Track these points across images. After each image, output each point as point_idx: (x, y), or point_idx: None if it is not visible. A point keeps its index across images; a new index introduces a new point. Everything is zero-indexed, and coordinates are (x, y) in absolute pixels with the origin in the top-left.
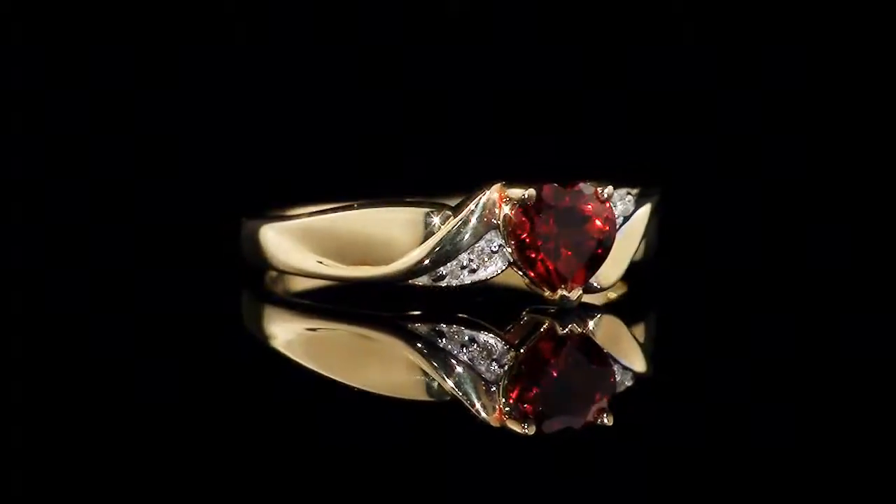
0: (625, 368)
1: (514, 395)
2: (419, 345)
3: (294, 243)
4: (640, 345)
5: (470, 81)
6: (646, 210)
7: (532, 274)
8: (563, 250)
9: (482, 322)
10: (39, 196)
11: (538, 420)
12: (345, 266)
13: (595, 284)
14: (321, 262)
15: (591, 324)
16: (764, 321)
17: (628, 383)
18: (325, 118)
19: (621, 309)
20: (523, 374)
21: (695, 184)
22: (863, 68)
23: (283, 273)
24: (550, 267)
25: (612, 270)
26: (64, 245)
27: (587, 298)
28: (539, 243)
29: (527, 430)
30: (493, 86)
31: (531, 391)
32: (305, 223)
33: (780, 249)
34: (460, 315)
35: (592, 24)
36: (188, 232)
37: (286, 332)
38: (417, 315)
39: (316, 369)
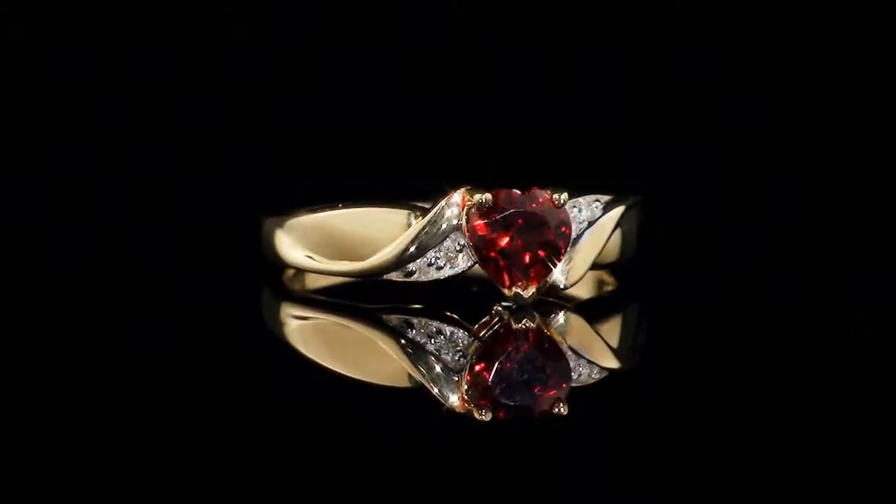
0: (589, 362)
1: (473, 383)
2: (391, 335)
3: (291, 239)
4: (603, 339)
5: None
6: (613, 215)
7: (489, 272)
8: (516, 252)
9: (453, 315)
10: (61, 197)
11: (496, 408)
12: (329, 261)
13: (558, 283)
14: (310, 257)
15: (560, 318)
16: (737, 319)
17: (588, 376)
18: (360, 120)
19: (598, 305)
20: (483, 365)
21: (689, 187)
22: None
23: (285, 267)
24: (503, 266)
25: (574, 270)
26: (101, 244)
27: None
28: (494, 244)
29: (483, 417)
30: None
31: (489, 380)
32: (299, 221)
33: (765, 248)
34: (441, 309)
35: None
36: (224, 232)
37: (288, 321)
38: (391, 307)
39: (303, 352)
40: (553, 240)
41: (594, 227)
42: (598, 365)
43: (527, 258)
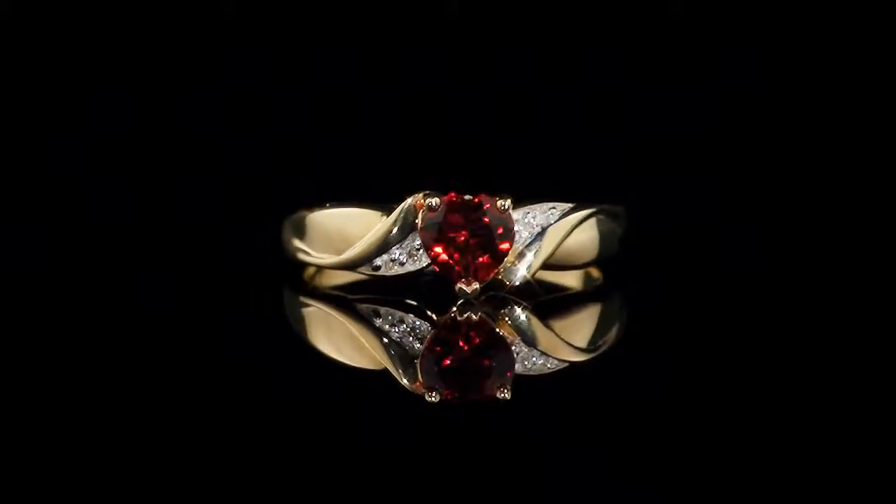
0: (543, 353)
1: (428, 368)
2: (364, 323)
3: (293, 235)
4: (556, 333)
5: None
6: (568, 221)
7: (440, 268)
8: (459, 252)
9: (419, 305)
10: (62, 197)
11: (448, 391)
12: (315, 254)
13: (508, 280)
14: (303, 251)
15: (518, 313)
16: (707, 316)
17: (543, 366)
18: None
19: (567, 300)
20: (437, 352)
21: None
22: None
23: (294, 261)
24: (450, 264)
25: (522, 270)
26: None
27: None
28: (441, 245)
29: (433, 399)
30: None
31: (442, 366)
32: (298, 218)
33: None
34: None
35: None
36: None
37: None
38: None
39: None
40: (493, 242)
41: (546, 232)
42: (553, 357)
43: (469, 258)
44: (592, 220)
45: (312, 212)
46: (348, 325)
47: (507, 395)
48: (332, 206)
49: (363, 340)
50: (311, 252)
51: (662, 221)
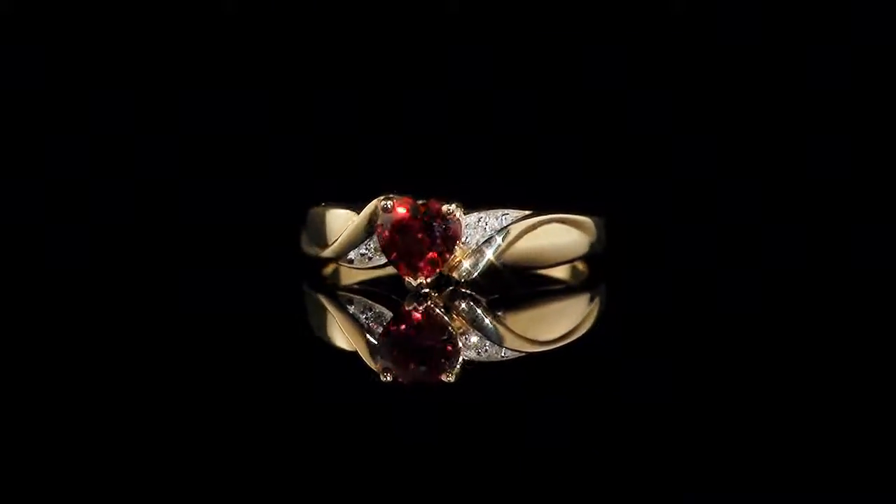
0: (497, 343)
1: (382, 351)
2: (338, 310)
3: (303, 230)
4: (511, 323)
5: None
6: (519, 226)
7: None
8: (406, 250)
9: (391, 295)
10: (63, 197)
11: (397, 372)
12: (312, 247)
13: (457, 276)
14: (306, 245)
15: (477, 307)
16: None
17: (494, 354)
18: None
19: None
20: (391, 337)
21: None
22: None
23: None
24: (399, 260)
25: (469, 268)
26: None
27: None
28: (389, 242)
29: (387, 379)
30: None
31: (394, 350)
32: (310, 214)
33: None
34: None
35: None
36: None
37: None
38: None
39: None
40: (436, 243)
41: (496, 236)
42: (507, 347)
43: (416, 257)
44: (552, 227)
45: (316, 209)
46: (335, 313)
47: (451, 379)
48: (326, 206)
49: (341, 326)
50: (308, 244)
51: (656, 221)
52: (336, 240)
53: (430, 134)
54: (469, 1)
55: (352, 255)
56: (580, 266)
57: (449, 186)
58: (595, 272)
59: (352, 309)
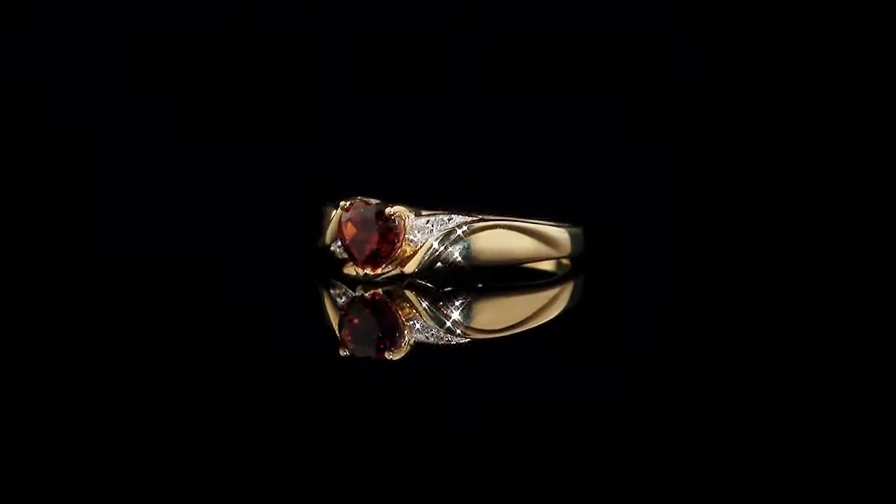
0: (444, 329)
1: (344, 330)
2: (325, 297)
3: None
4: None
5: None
6: (466, 229)
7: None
8: (354, 246)
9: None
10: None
11: (350, 348)
12: (320, 239)
13: (398, 271)
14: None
15: (431, 295)
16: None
17: (436, 339)
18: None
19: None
20: (350, 318)
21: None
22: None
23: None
24: (350, 253)
25: (410, 264)
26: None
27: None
28: (341, 239)
29: (345, 354)
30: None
31: (350, 331)
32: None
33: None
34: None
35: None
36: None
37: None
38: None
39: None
40: (379, 242)
41: (438, 237)
42: (454, 333)
43: (364, 251)
44: (501, 232)
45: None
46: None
47: (393, 357)
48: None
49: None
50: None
51: (650, 221)
52: (327, 233)
53: (435, 136)
54: (469, 1)
55: (333, 246)
56: (565, 261)
57: (445, 190)
58: (577, 267)
59: (333, 292)
